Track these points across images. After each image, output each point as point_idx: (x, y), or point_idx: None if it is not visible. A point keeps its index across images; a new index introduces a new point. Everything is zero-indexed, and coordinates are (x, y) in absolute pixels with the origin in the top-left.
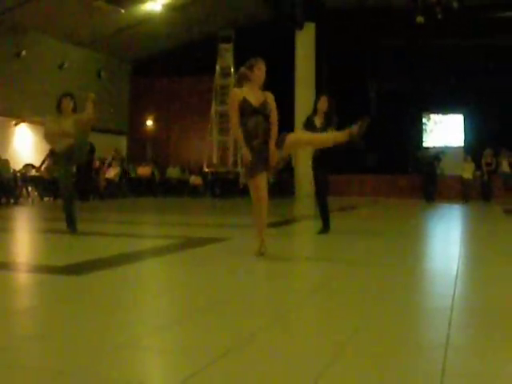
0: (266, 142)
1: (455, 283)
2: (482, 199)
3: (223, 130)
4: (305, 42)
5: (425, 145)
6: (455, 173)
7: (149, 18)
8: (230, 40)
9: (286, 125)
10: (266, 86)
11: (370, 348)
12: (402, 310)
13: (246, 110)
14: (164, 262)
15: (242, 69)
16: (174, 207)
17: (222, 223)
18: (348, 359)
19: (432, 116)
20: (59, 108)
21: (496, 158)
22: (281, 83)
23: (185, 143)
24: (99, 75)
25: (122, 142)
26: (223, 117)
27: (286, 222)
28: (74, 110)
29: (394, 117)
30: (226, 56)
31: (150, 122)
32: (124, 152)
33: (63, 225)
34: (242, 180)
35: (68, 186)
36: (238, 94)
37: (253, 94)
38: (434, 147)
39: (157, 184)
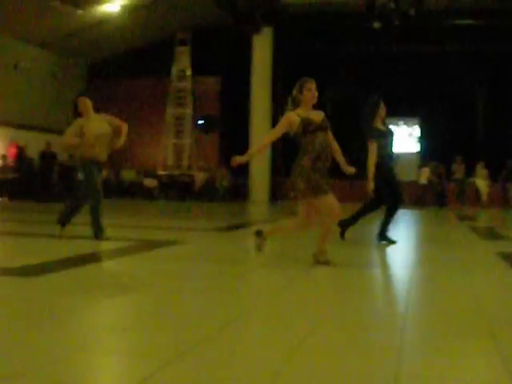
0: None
1: (410, 289)
2: (437, 205)
3: (178, 133)
4: (262, 46)
5: None
6: (411, 178)
7: (106, 20)
8: (186, 43)
9: (242, 126)
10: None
11: (324, 351)
12: (357, 314)
13: (308, 128)
14: (118, 265)
15: (294, 92)
16: (129, 210)
17: (176, 226)
18: (303, 361)
19: (388, 122)
20: (77, 111)
21: (450, 165)
22: (237, 86)
23: (140, 146)
24: (55, 76)
25: None
26: (178, 120)
27: (242, 226)
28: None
29: (349, 122)
30: (183, 59)
31: None
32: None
33: (17, 226)
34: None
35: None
36: (292, 116)
37: (311, 113)
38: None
39: (111, 186)
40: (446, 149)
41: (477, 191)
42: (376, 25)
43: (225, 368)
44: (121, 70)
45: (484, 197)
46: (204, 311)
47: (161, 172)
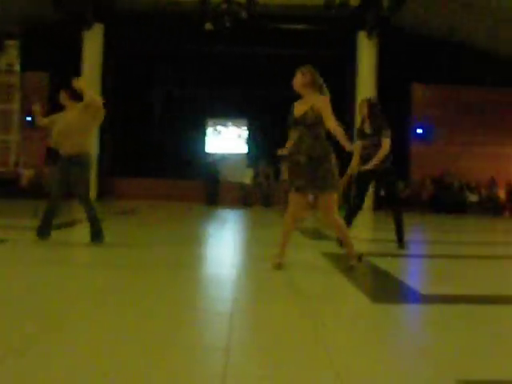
0: (313, 159)
1: (234, 288)
2: (263, 205)
3: (5, 129)
4: (92, 43)
5: (208, 150)
6: (238, 179)
7: None
8: (15, 37)
9: None
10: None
11: (141, 350)
12: (181, 314)
13: (289, 121)
14: None
15: None
16: None
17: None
18: (125, 363)
19: (217, 122)
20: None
21: (279, 166)
22: (67, 82)
23: None
24: None
25: None
26: (5, 115)
27: (69, 224)
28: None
29: (179, 122)
30: (11, 53)
31: None
32: None
33: None
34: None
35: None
36: (293, 105)
37: (300, 104)
38: (217, 153)
39: None
40: (274, 150)
41: None
42: (208, 26)
43: (50, 370)
44: None
45: (310, 198)
46: (28, 313)
47: None
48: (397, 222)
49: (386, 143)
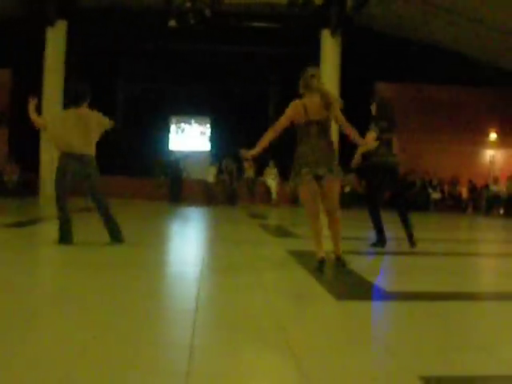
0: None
1: (199, 286)
2: (228, 203)
3: None
4: (55, 39)
5: (171, 148)
6: (201, 177)
7: None
8: None
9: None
10: None
11: (113, 350)
12: (145, 311)
13: None
14: None
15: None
16: None
17: None
18: (90, 362)
19: (180, 120)
20: None
21: (241, 164)
22: (30, 79)
23: None
24: None
25: None
26: None
27: (33, 222)
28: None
29: (142, 119)
30: None
31: None
32: None
33: None
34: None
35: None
36: None
37: None
38: (180, 151)
39: None
40: (237, 148)
41: (268, 190)
42: (172, 23)
43: (11, 372)
44: None
45: (274, 195)
46: None
47: None
48: (373, 222)
49: (367, 137)
